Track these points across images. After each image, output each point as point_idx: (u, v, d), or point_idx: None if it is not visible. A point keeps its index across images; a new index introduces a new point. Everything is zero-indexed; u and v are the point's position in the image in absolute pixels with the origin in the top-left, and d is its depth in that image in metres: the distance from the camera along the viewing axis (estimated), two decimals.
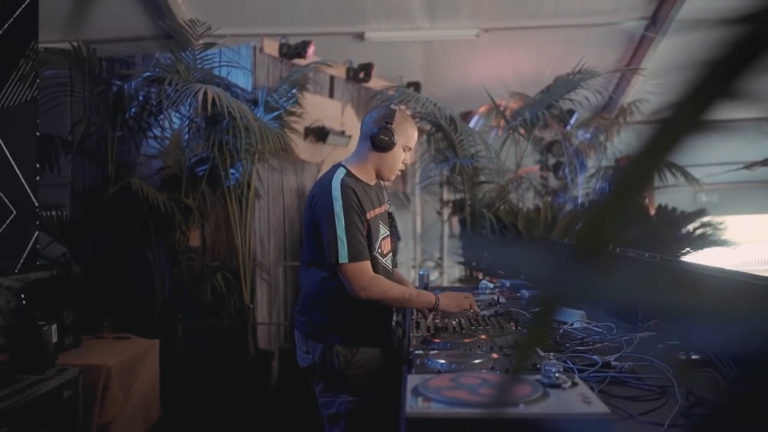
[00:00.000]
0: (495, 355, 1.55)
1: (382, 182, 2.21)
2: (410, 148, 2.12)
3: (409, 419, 1.14)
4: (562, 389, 1.24)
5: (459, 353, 1.59)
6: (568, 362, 1.58)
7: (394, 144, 2.04)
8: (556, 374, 1.29)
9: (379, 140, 2.02)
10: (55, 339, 2.61)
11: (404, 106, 4.52)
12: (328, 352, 1.98)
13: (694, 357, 1.56)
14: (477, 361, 1.49)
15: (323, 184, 2.01)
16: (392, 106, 2.10)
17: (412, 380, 1.31)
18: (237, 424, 3.65)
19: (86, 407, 2.69)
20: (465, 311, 2.09)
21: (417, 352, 1.62)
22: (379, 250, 2.07)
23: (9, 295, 3.13)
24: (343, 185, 1.96)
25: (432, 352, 1.61)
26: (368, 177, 2.10)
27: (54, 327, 2.59)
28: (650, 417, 1.24)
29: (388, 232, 2.16)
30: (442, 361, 1.48)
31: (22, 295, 2.98)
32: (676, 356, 1.50)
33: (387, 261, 2.13)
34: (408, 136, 2.09)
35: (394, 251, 2.27)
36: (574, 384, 1.28)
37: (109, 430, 2.82)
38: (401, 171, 2.15)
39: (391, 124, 2.04)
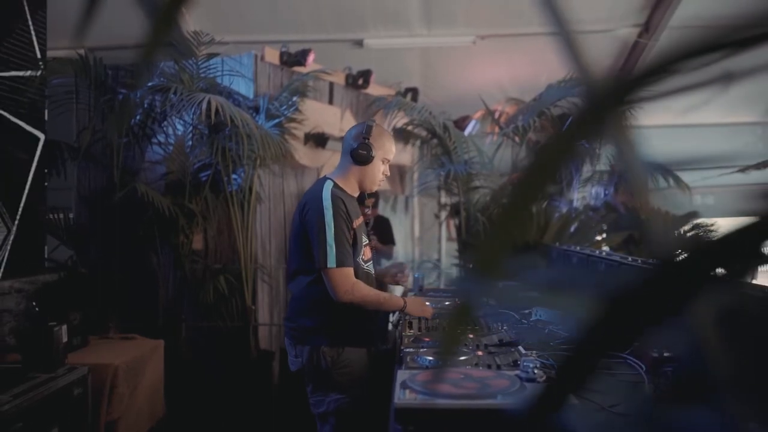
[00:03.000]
0: (480, 353, 1.66)
1: (365, 193, 2.36)
2: (389, 160, 2.27)
3: (397, 409, 1.26)
4: (537, 383, 1.35)
5: None
6: (550, 359, 1.70)
7: (373, 157, 2.19)
8: (534, 370, 1.41)
9: (358, 154, 2.17)
10: (65, 339, 2.71)
11: (402, 113, 4.65)
12: (315, 353, 2.10)
13: (666, 354, 1.68)
14: (463, 358, 1.61)
15: (314, 195, 2.14)
16: (369, 122, 2.24)
17: (402, 375, 1.43)
18: (239, 422, 3.76)
19: (94, 405, 2.79)
20: (425, 316, 2.27)
21: (408, 350, 1.73)
22: (362, 257, 2.22)
23: (19, 297, 3.25)
24: (333, 196, 2.10)
25: (422, 349, 1.72)
26: (352, 189, 2.25)
27: (64, 327, 2.69)
28: (619, 409, 1.36)
29: (368, 240, 2.32)
30: (430, 358, 1.60)
31: (34, 302, 3.09)
32: (648, 353, 1.61)
33: (368, 266, 2.28)
34: (386, 150, 2.24)
35: (389, 255, 2.41)
36: (550, 378, 1.40)
37: (116, 426, 2.92)
38: (381, 182, 2.31)
39: (369, 138, 2.18)
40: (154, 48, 0.43)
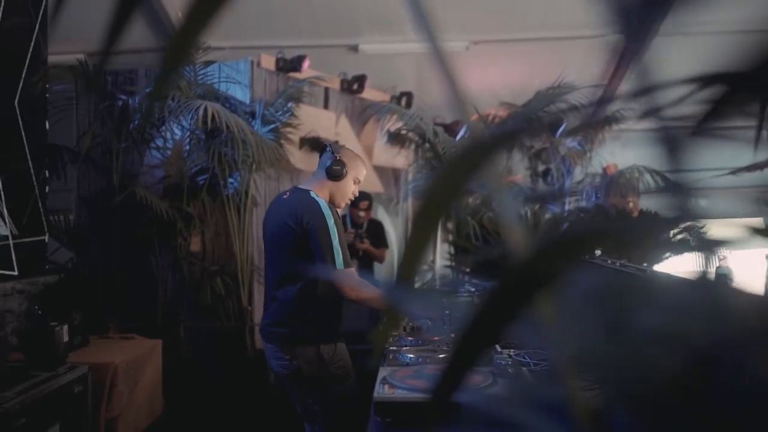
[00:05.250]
0: None
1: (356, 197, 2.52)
2: (359, 181, 2.43)
3: (376, 402, 1.36)
4: (507, 378, 1.45)
5: (427, 349, 1.81)
6: (526, 357, 1.80)
7: (346, 174, 2.34)
8: (507, 366, 1.51)
9: (333, 170, 2.33)
10: (66, 339, 2.80)
11: (395, 117, 4.75)
12: (316, 352, 2.21)
13: None
14: (442, 356, 1.70)
15: (309, 205, 2.26)
16: (346, 146, 2.48)
17: (383, 371, 1.53)
18: (236, 420, 3.85)
19: (95, 402, 2.88)
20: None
21: (391, 348, 1.84)
22: None
23: (21, 298, 3.34)
24: (330, 205, 2.27)
25: (404, 348, 1.83)
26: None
27: (65, 327, 2.79)
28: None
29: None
30: (411, 356, 1.70)
31: (36, 304, 3.17)
32: None
33: None
34: (358, 171, 2.41)
35: (382, 259, 2.51)
36: (520, 374, 1.49)
37: (115, 423, 3.01)
38: (349, 200, 2.45)
39: (343, 158, 2.37)
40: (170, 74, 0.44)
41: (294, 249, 2.23)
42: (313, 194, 2.28)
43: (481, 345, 0.40)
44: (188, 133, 4.25)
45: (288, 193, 2.38)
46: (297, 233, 2.21)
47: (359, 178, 2.42)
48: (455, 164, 0.40)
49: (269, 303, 2.32)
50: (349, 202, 2.45)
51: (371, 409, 1.39)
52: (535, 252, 0.36)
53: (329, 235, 2.17)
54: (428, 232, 0.44)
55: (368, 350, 2.23)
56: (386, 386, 1.41)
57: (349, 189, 2.39)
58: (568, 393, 0.39)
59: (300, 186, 2.41)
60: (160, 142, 4.30)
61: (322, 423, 2.26)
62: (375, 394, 1.38)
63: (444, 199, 0.40)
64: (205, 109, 3.61)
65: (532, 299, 0.38)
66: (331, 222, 2.19)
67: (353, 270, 2.23)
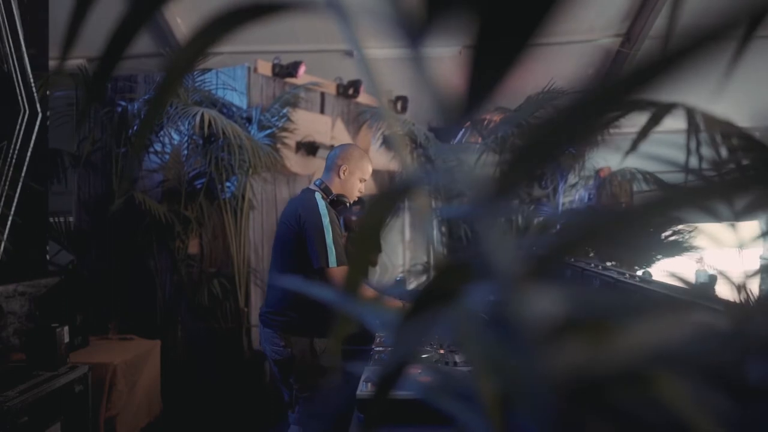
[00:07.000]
0: (441, 351, 1.85)
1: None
2: (365, 180, 2.54)
3: (358, 400, 1.44)
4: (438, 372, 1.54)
5: None
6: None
7: (353, 174, 2.46)
8: None
9: (341, 172, 2.45)
10: (66, 339, 2.88)
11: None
12: (309, 343, 2.31)
13: None
14: (425, 356, 1.79)
15: (308, 205, 2.36)
16: (352, 145, 2.55)
17: (367, 371, 1.61)
18: (232, 419, 3.93)
19: (95, 401, 2.96)
20: None
21: (378, 348, 1.92)
22: None
23: (22, 300, 3.43)
24: (327, 206, 2.37)
25: (390, 348, 1.91)
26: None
27: (66, 328, 2.87)
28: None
29: None
30: None
31: (37, 306, 3.25)
32: None
33: None
34: (363, 170, 2.51)
35: (374, 263, 2.63)
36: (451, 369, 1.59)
37: (115, 422, 3.09)
38: (356, 197, 2.56)
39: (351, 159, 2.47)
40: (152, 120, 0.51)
41: (293, 246, 2.34)
42: (317, 194, 2.39)
43: (412, 345, 0.49)
44: (186, 139, 4.33)
45: (299, 193, 2.50)
46: (296, 231, 2.32)
47: (365, 177, 2.53)
48: (383, 197, 0.49)
49: (271, 292, 2.44)
50: (356, 200, 2.56)
51: (355, 406, 1.48)
52: (443, 267, 0.45)
53: (323, 234, 2.26)
54: (368, 252, 0.53)
55: (359, 350, 2.32)
56: (369, 384, 1.50)
57: (355, 187, 2.51)
58: (478, 389, 0.48)
59: (309, 186, 2.52)
60: (158, 147, 4.39)
61: (301, 409, 2.36)
62: (358, 392, 1.46)
63: (378, 223, 0.49)
64: (202, 116, 3.69)
65: (443, 307, 0.46)
66: (326, 221, 2.29)
67: (347, 268, 2.31)
